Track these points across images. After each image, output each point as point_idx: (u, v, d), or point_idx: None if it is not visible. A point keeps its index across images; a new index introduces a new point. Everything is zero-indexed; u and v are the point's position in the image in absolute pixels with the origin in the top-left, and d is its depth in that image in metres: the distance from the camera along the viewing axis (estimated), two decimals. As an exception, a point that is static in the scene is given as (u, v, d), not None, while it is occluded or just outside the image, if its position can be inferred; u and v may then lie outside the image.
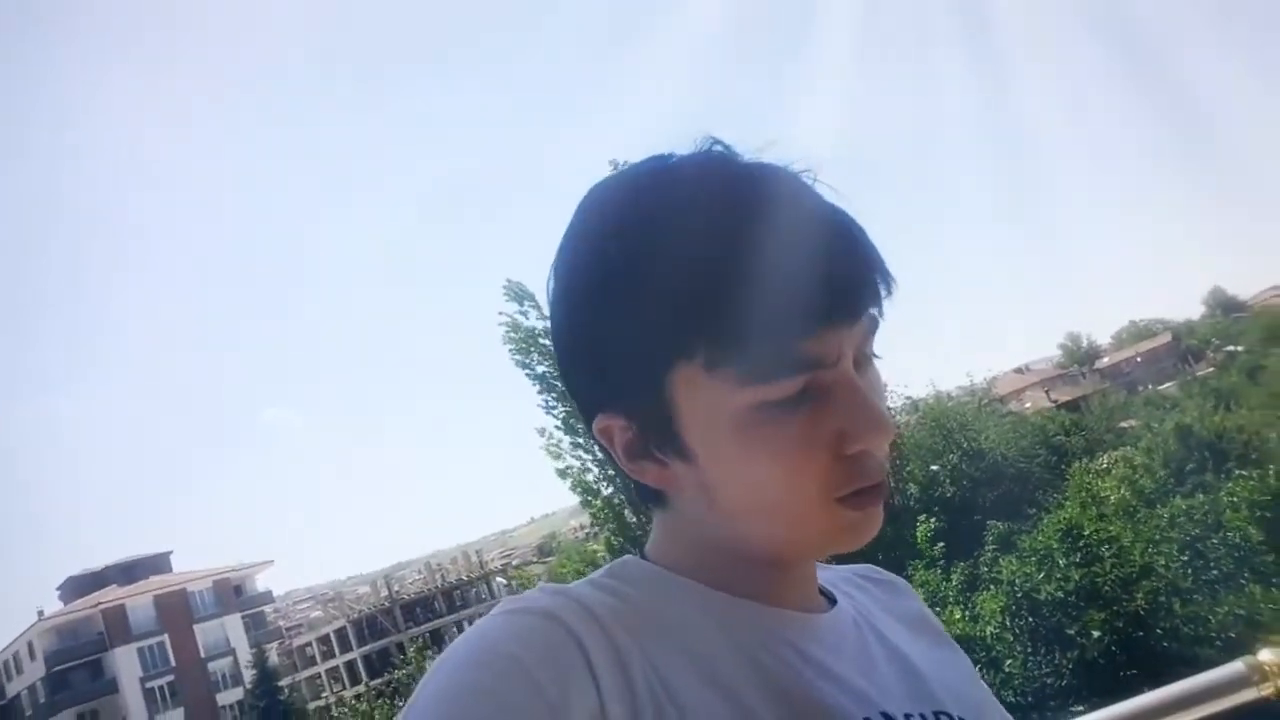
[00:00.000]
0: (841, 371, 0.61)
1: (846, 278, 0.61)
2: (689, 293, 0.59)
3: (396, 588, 58.08)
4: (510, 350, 15.92)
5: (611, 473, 14.62)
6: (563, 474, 15.30)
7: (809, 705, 0.60)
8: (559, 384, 16.39)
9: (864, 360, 0.64)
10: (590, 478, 15.09)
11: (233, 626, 51.34)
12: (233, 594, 52.71)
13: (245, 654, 47.97)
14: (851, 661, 0.66)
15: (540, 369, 15.57)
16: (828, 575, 0.76)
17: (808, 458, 0.60)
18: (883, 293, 0.62)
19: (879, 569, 0.83)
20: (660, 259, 0.60)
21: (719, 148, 0.65)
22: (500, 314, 15.91)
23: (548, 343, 17.29)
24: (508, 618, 0.59)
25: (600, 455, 0.64)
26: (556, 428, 15.49)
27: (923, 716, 0.65)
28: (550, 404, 15.53)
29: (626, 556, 0.70)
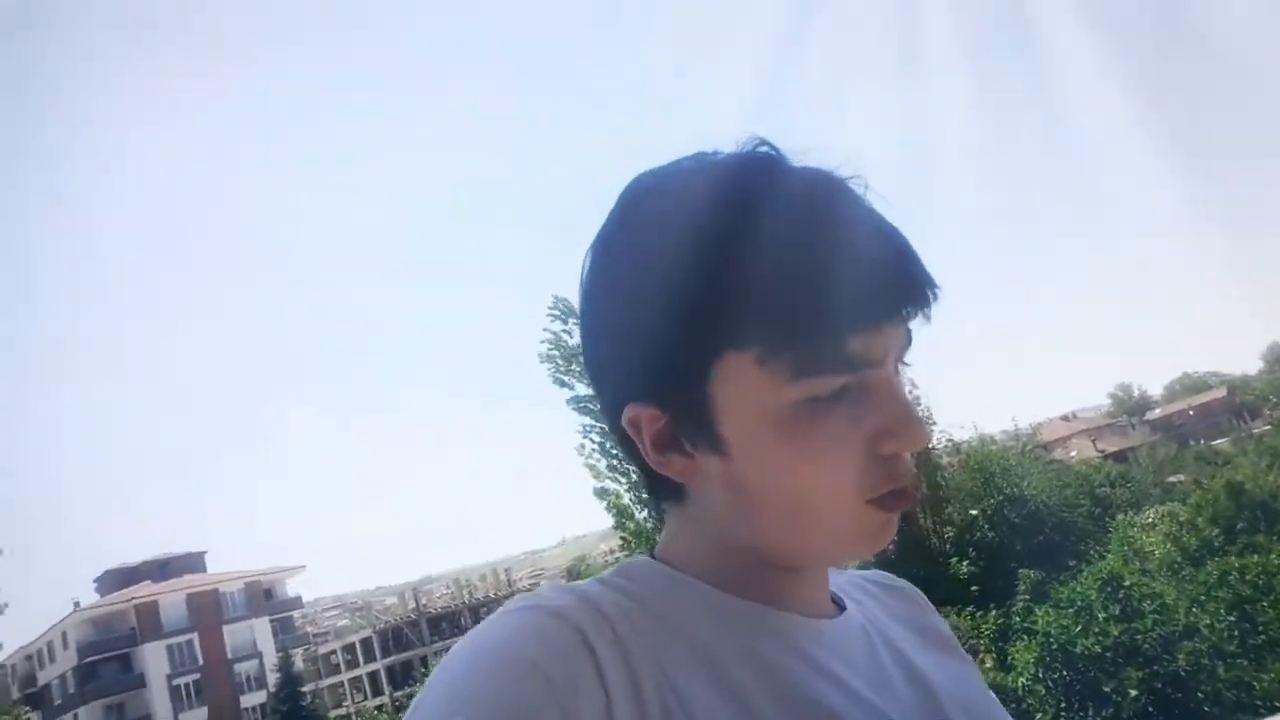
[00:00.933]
0: (884, 371, 0.62)
1: (899, 278, 0.61)
2: (750, 282, 0.59)
3: (424, 601, 58.26)
4: (550, 369, 16.04)
5: (641, 494, 14.63)
6: (601, 494, 15.34)
7: (818, 713, 0.60)
8: (596, 405, 16.48)
9: (896, 368, 0.65)
10: (626, 500, 15.09)
11: (261, 629, 51.82)
12: (263, 597, 53.24)
13: (271, 657, 48.30)
14: (860, 670, 0.66)
15: (580, 389, 15.65)
16: (838, 580, 0.75)
17: (845, 455, 0.61)
18: (930, 298, 0.63)
19: (890, 575, 0.83)
20: (716, 248, 0.60)
21: (764, 148, 0.65)
22: (545, 331, 16.02)
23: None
24: (519, 615, 0.59)
25: (625, 460, 0.64)
26: (594, 450, 15.54)
27: None
28: (589, 427, 15.59)
29: (637, 557, 0.69)
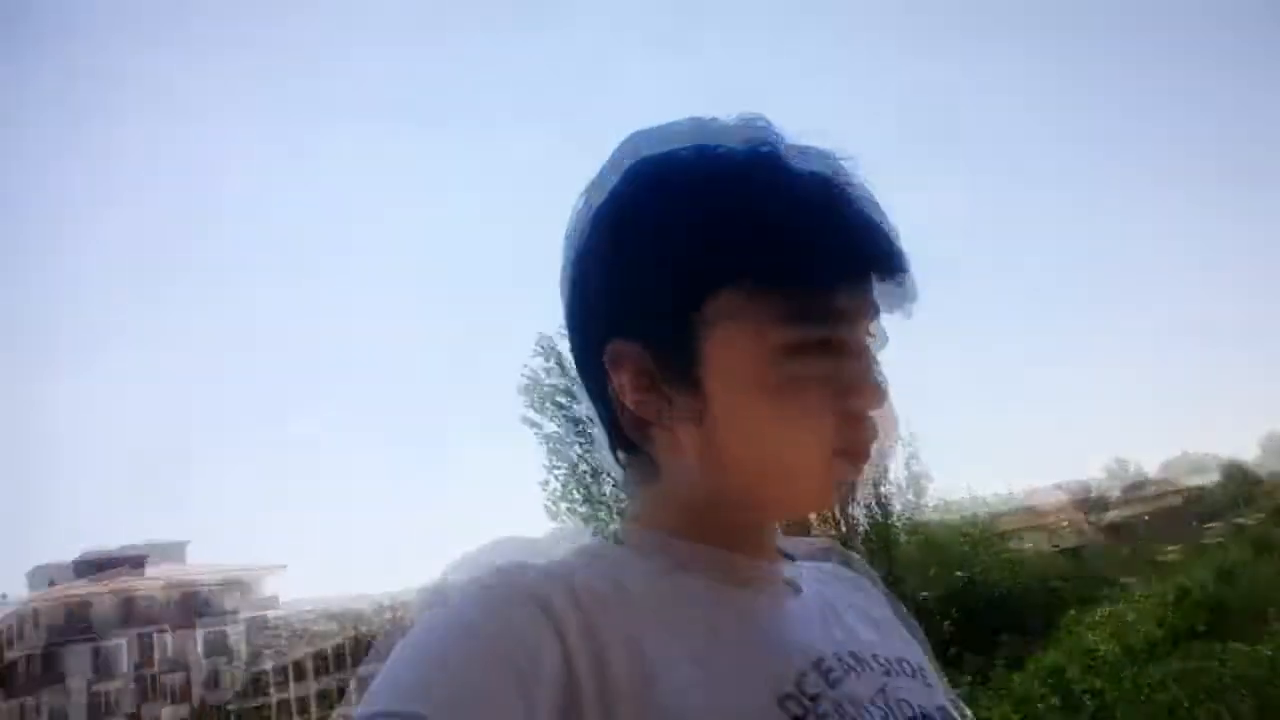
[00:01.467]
0: (856, 334, 0.65)
1: (885, 247, 0.64)
2: (750, 221, 0.61)
3: (400, 614, 57.30)
4: (524, 404, 16.09)
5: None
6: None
7: (780, 669, 0.61)
8: (563, 447, 16.22)
9: (866, 335, 0.67)
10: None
11: (234, 629, 51.19)
12: (238, 595, 52.54)
13: (243, 658, 47.76)
14: (816, 615, 0.69)
15: (549, 427, 15.98)
16: (800, 568, 0.75)
17: (812, 409, 0.62)
18: (906, 275, 0.65)
19: (846, 565, 0.83)
20: (718, 190, 0.62)
21: (761, 122, 0.67)
22: (525, 367, 15.92)
23: (564, 401, 16.39)
24: (482, 592, 0.58)
25: (591, 407, 0.71)
26: (555, 491, 15.92)
27: (888, 660, 0.67)
28: (555, 464, 15.89)
29: (595, 538, 0.70)
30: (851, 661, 0.64)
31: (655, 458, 0.67)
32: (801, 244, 0.61)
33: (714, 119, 0.68)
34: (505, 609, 0.56)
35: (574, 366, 0.70)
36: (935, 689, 0.71)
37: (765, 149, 0.64)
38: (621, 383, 0.65)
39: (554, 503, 16.23)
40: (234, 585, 52.45)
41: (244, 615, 52.05)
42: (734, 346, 0.62)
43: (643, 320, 0.64)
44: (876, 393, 0.64)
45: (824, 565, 0.79)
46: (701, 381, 0.63)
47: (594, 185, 0.69)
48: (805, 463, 0.63)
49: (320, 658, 52.22)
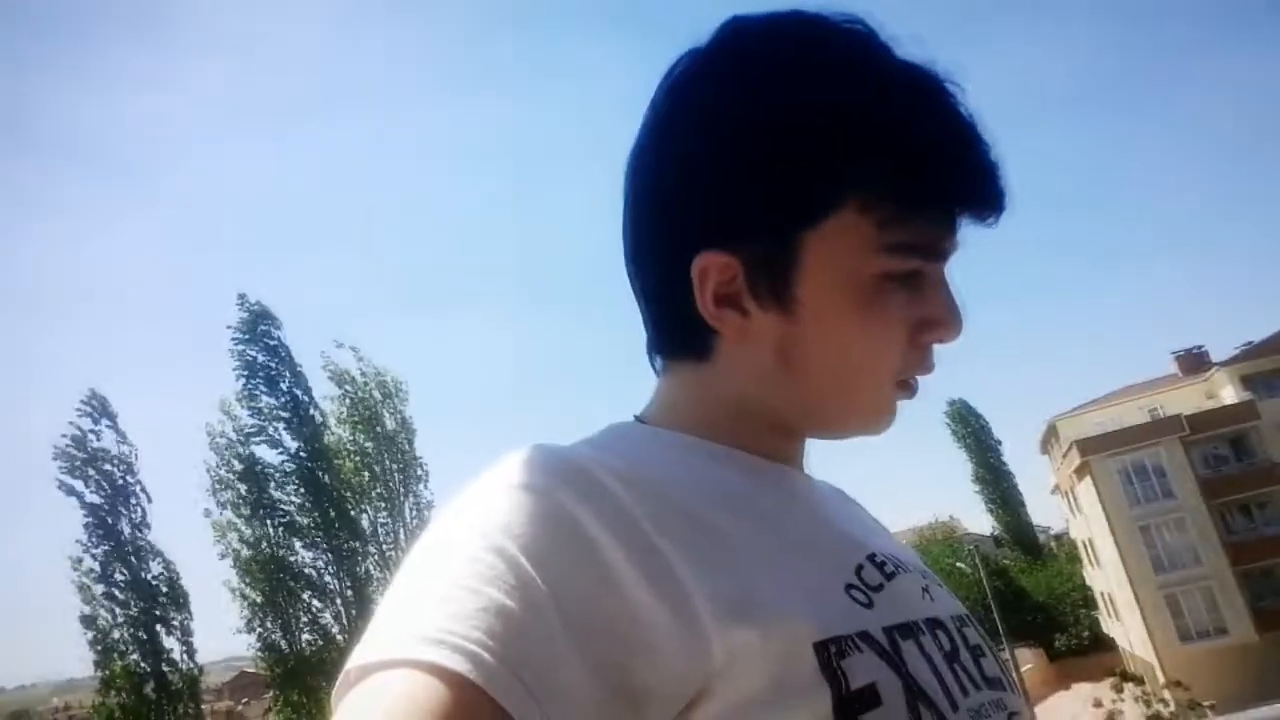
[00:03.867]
0: (943, 266, 0.62)
1: (998, 184, 0.60)
2: (895, 143, 0.56)
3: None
4: (62, 467, 15.33)
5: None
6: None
7: (837, 539, 0.61)
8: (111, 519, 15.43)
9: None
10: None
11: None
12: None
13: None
14: (852, 514, 0.69)
15: (91, 498, 15.38)
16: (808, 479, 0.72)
17: (895, 335, 0.60)
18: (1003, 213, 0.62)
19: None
20: (845, 92, 0.57)
21: (860, 26, 0.60)
22: (70, 425, 15.30)
23: (108, 467, 15.78)
24: (507, 493, 0.51)
25: (645, 308, 0.67)
26: (92, 572, 14.84)
27: (910, 567, 0.63)
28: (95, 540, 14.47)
29: (623, 421, 0.66)
30: (896, 561, 0.62)
31: (706, 369, 0.63)
32: (939, 167, 0.57)
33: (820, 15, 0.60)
34: (531, 515, 0.50)
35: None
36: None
37: (889, 52, 0.59)
38: (703, 295, 0.60)
39: (89, 584, 14.44)
40: None
41: None
42: (835, 267, 0.58)
43: (739, 235, 0.59)
44: (952, 327, 0.61)
45: (824, 484, 0.73)
46: (795, 299, 0.59)
47: (690, 71, 0.62)
48: (874, 387, 0.61)
49: None
